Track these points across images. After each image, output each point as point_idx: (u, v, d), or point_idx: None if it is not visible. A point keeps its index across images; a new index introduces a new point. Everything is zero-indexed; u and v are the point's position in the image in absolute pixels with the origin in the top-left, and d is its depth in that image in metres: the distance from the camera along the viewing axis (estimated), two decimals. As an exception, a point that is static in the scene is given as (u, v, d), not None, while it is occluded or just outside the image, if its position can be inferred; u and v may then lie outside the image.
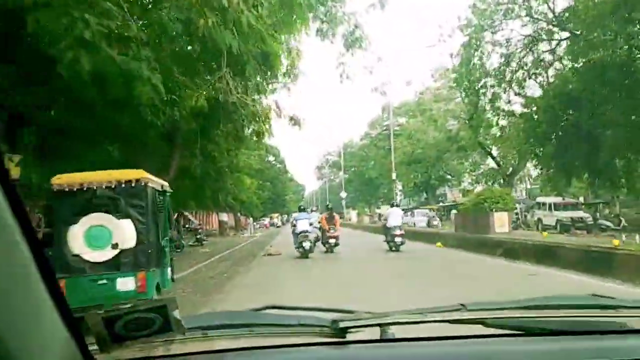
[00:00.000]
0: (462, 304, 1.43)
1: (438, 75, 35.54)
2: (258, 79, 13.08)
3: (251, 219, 48.14)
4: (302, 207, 20.75)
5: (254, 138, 16.37)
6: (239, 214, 50.77)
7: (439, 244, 18.88)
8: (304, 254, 16.83)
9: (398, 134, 59.16)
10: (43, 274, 0.89)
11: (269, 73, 14.16)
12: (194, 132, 14.97)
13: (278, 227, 66.63)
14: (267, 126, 12.56)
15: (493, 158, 37.66)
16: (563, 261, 11.67)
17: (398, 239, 17.87)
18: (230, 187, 38.59)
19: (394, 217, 18.72)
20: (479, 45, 22.55)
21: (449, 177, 59.42)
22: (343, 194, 55.92)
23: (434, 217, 39.31)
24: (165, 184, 7.20)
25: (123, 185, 6.08)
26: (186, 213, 41.25)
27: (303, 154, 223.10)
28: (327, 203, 33.90)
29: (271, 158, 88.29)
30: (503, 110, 24.90)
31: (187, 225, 32.23)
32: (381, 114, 63.18)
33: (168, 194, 7.43)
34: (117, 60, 6.78)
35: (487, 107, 25.65)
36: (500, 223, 14.96)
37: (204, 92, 9.71)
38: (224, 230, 40.60)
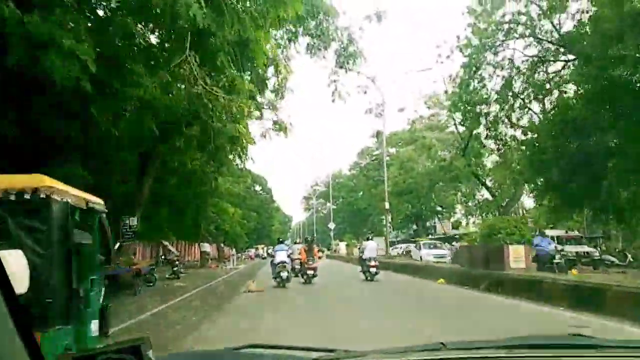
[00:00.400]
0: (442, 343, 1.45)
1: (432, 102, 34.36)
2: (233, 71, 10.78)
3: (234, 249, 45.95)
4: (280, 240, 21.89)
5: (230, 148, 14.29)
6: (222, 245, 48.59)
7: (441, 280, 17.00)
8: (281, 283, 17.93)
9: (389, 164, 57.85)
10: (18, 326, 0.92)
11: (248, 65, 11.95)
12: (154, 137, 12.45)
13: (263, 258, 64.24)
14: (244, 128, 10.74)
15: (487, 188, 36.23)
16: (622, 310, 8.65)
17: (372, 269, 19.94)
18: (212, 215, 36.68)
19: (369, 249, 20.74)
20: (479, 67, 21.24)
21: (439, 208, 57.97)
22: (331, 225, 54.07)
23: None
24: (95, 199, 5.02)
25: (12, 198, 3.93)
26: (166, 243, 39.04)
27: (290, 185, 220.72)
28: (307, 236, 34.86)
29: (257, 187, 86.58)
30: (504, 137, 23.42)
31: (166, 256, 30.12)
32: (371, 143, 62.03)
33: (102, 213, 5.24)
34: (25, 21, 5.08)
35: (485, 133, 24.18)
36: (517, 257, 13.07)
37: (158, 80, 7.86)
38: (206, 262, 38.34)
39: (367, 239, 22.53)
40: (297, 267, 20.34)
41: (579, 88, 20.56)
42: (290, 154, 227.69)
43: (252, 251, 74.25)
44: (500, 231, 13.96)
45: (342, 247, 60.24)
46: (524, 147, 22.23)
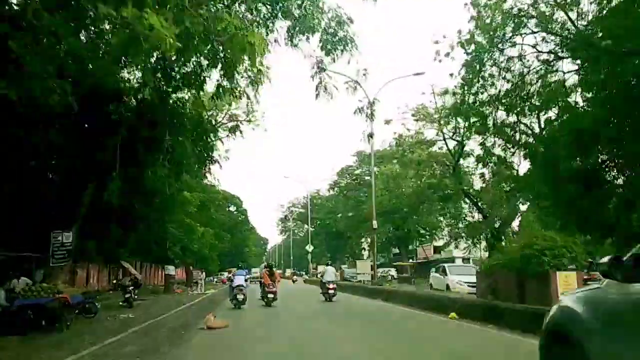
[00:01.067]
0: None
1: (421, 115, 31.83)
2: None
3: (203, 273, 42.27)
4: (240, 266, 24.99)
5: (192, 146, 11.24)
6: (191, 268, 44.85)
7: (452, 314, 13.72)
8: (237, 305, 20.08)
9: (370, 183, 55.21)
10: None
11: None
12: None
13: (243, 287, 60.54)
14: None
15: (479, 208, 33.58)
16: None
17: (331, 291, 23.58)
18: (177, 234, 33.24)
19: (328, 274, 24.94)
20: (484, 64, 18.60)
21: (422, 231, 55.23)
22: (309, 248, 50.73)
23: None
24: None
25: None
26: (127, 265, 35.25)
27: (266, 207, 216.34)
28: (269, 261, 39.45)
29: (232, 208, 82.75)
30: (517, 143, 20.70)
31: (118, 281, 26.59)
32: (352, 161, 59.29)
33: None
34: None
35: (492, 140, 21.50)
36: (568, 286, 9.81)
37: None
38: (171, 286, 34.62)
39: (327, 264, 27.31)
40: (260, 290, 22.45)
41: (593, 91, 18.09)
42: (266, 175, 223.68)
43: (226, 274, 70.16)
44: (545, 252, 10.82)
45: (330, 271, 56.56)
46: (532, 158, 19.52)
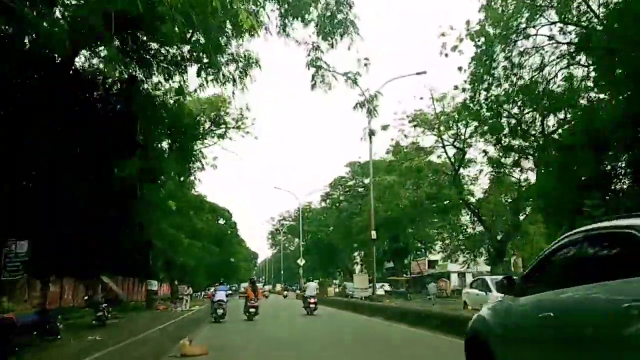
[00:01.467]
0: None
1: (419, 120, 30.17)
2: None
3: (190, 288, 40.05)
4: (222, 282, 27.40)
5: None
6: (176, 282, 42.57)
7: None
8: (217, 319, 21.28)
9: (363, 194, 53.23)
10: None
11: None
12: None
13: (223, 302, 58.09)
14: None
15: (480, 220, 31.87)
16: None
17: (312, 305, 24.87)
18: (161, 245, 31.10)
19: (310, 289, 26.28)
20: (495, 58, 16.96)
21: (418, 244, 53.39)
22: (300, 262, 48.58)
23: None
24: None
25: None
26: (107, 280, 33.03)
27: (256, 221, 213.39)
28: (251, 277, 38.09)
29: (221, 221, 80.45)
30: (537, 141, 18.97)
31: (90, 297, 24.48)
32: (344, 172, 57.49)
33: None
34: None
35: (506, 141, 19.76)
36: None
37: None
38: (153, 303, 32.41)
39: (308, 281, 31.79)
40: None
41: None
42: (256, 186, 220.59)
43: (213, 290, 67.84)
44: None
45: (311, 286, 54.91)
46: (546, 163, 17.80)
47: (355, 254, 72.04)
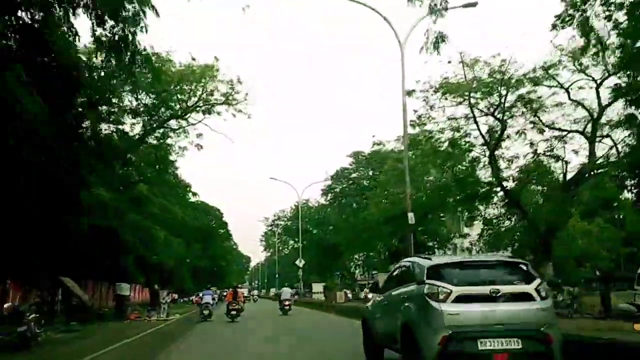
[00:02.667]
0: None
1: (448, 87, 24.65)
2: None
3: (170, 295, 34.26)
4: (209, 287, 31.21)
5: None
6: (156, 286, 36.74)
7: None
8: (205, 318, 25.00)
9: (372, 186, 47.77)
10: None
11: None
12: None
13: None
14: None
15: (520, 208, 26.29)
16: None
17: (287, 306, 29.58)
18: (132, 238, 25.31)
19: (285, 293, 31.77)
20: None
21: (430, 243, 47.62)
22: (299, 262, 42.69)
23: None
24: None
25: None
26: (69, 283, 27.25)
27: (249, 221, 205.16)
28: (234, 283, 42.13)
29: (212, 222, 74.51)
30: None
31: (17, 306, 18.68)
32: (347, 162, 51.66)
33: None
34: None
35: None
36: None
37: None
38: (124, 310, 26.59)
39: (284, 286, 40.30)
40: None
41: None
42: (249, 179, 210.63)
43: (201, 295, 61.81)
44: None
45: (285, 291, 49.79)
46: None
47: (357, 256, 66.40)
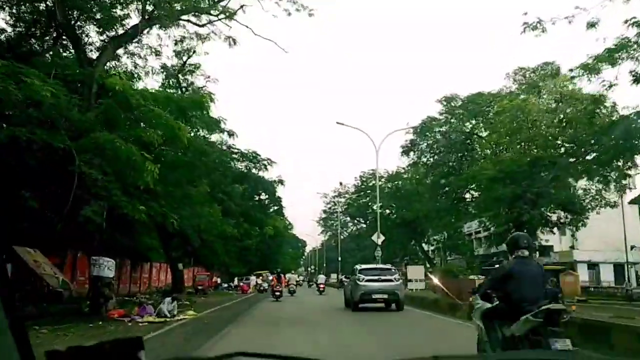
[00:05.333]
0: (434, 356, 1.48)
1: None
2: None
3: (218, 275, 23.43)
4: (279, 271, 43.65)
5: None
6: (180, 266, 26.04)
7: None
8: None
9: (469, 144, 35.25)
10: (12, 323, 1.03)
11: None
12: None
13: (262, 290, 41.05)
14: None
15: None
16: None
17: (321, 288, 39.00)
18: (102, 164, 14.16)
19: (320, 279, 43.72)
20: None
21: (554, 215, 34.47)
22: (378, 239, 30.74)
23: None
24: None
25: None
26: (27, 254, 17.10)
27: (304, 197, 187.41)
28: (278, 268, 48.72)
29: (263, 196, 63.52)
30: None
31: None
32: (436, 110, 38.76)
33: None
34: None
35: None
36: None
37: None
38: (105, 301, 15.78)
39: (319, 274, 57.11)
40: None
41: None
42: (301, 129, 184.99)
43: (253, 279, 50.65)
44: None
45: (321, 277, 46.54)
46: None
47: (437, 236, 53.82)
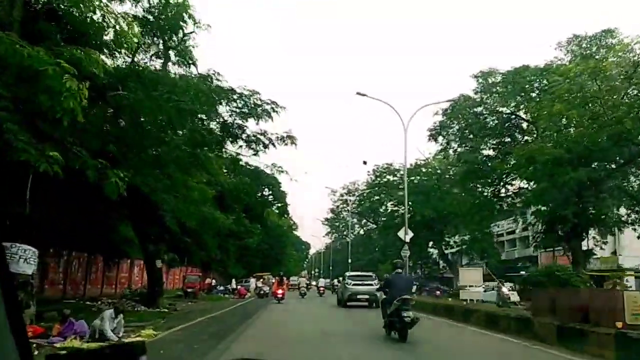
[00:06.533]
0: None
1: None
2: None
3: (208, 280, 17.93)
4: (255, 275, 47.42)
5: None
6: (159, 263, 20.47)
7: None
8: (261, 297, 35.32)
9: (514, 124, 29.68)
10: (12, 324, 1.01)
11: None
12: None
13: (262, 295, 35.48)
14: None
15: None
16: None
17: (322, 290, 43.33)
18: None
19: (322, 282, 51.20)
20: None
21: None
22: (405, 235, 25.06)
23: None
24: None
25: None
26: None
27: (311, 193, 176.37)
28: (280, 272, 38.31)
29: (265, 192, 57.89)
30: None
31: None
32: (471, 87, 32.95)
33: None
34: None
35: None
36: None
37: None
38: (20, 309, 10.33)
39: (320, 278, 72.74)
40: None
41: None
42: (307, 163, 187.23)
43: (252, 282, 45.20)
44: None
45: (321, 281, 53.88)
46: None
47: (456, 237, 47.84)
